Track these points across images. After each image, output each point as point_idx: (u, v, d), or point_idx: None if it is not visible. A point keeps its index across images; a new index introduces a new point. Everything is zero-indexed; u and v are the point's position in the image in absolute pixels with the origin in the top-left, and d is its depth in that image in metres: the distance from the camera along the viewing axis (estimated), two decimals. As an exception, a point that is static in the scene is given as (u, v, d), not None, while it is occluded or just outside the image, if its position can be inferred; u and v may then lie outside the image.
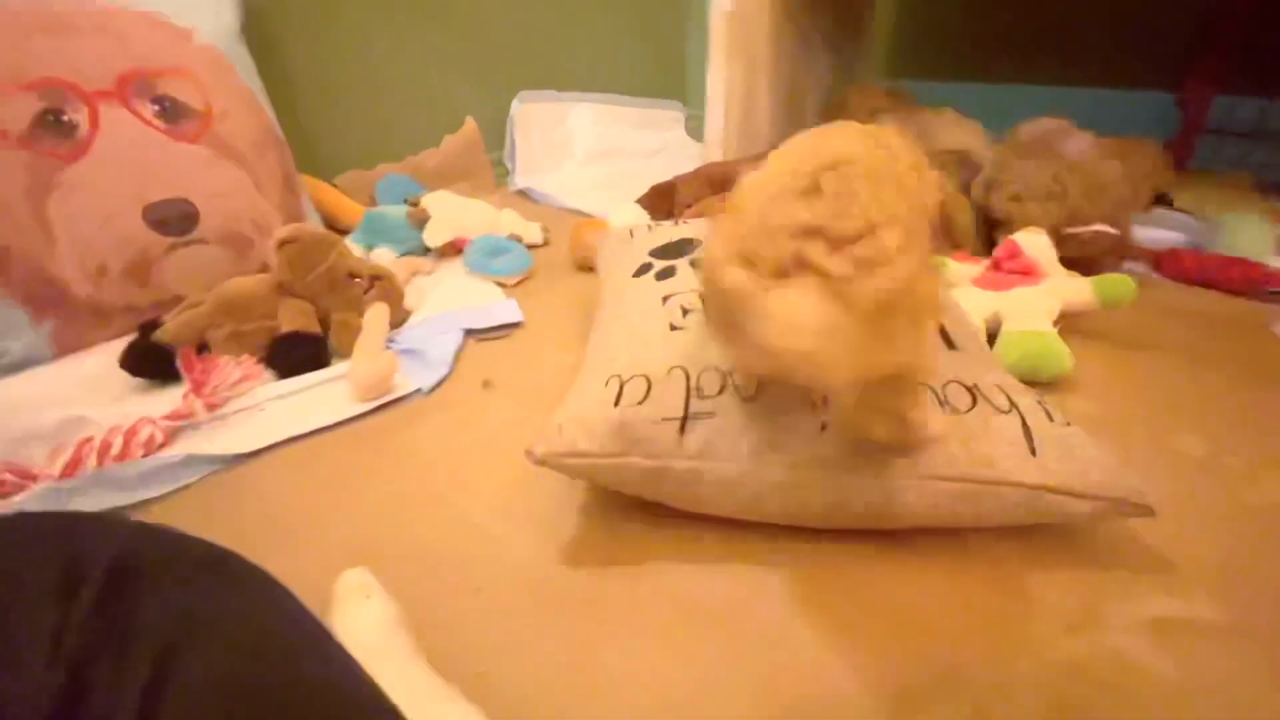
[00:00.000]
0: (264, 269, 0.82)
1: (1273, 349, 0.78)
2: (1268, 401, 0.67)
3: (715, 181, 1.04)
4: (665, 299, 0.60)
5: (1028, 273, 0.80)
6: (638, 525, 0.52)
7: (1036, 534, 0.50)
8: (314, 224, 1.06)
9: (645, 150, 1.78)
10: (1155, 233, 1.17)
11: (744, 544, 0.51)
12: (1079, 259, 0.90)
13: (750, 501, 0.50)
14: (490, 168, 1.50)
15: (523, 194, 1.50)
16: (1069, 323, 0.75)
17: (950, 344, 0.57)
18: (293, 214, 0.96)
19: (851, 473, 0.48)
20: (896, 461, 0.48)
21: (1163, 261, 0.99)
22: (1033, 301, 0.75)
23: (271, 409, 0.68)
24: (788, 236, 0.31)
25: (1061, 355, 0.69)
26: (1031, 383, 0.68)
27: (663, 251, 0.69)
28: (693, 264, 0.65)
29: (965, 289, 0.81)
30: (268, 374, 0.72)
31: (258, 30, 1.06)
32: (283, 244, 0.74)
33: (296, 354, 0.72)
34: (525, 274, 1.03)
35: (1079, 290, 0.77)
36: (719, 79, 1.09)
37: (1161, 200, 1.01)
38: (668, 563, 0.49)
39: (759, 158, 1.07)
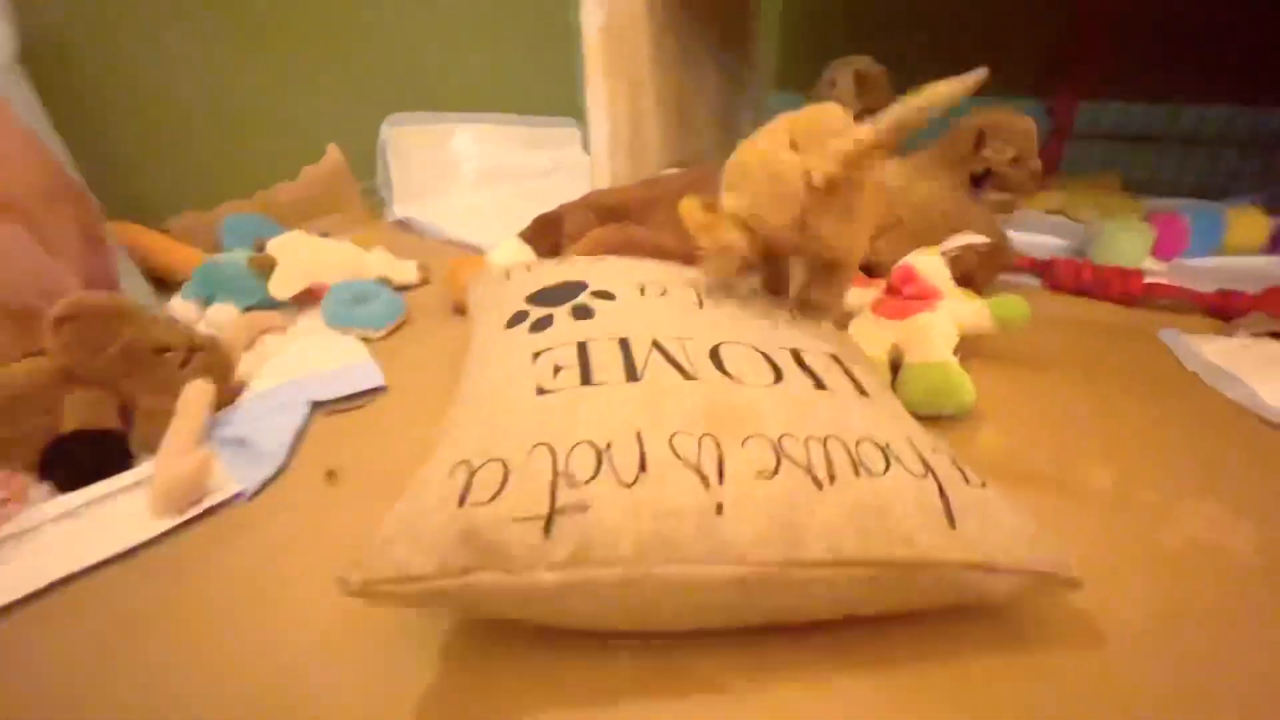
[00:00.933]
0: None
1: (1164, 359, 0.78)
2: (1167, 418, 0.66)
3: (605, 210, 0.96)
4: (537, 355, 0.51)
5: (925, 297, 0.76)
6: (519, 657, 0.42)
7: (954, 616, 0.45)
8: (135, 283, 0.89)
9: (539, 170, 1.68)
10: (1035, 238, 1.19)
11: (668, 664, 0.42)
12: (960, 277, 0.88)
13: (642, 611, 0.42)
14: (362, 198, 1.36)
15: (404, 225, 1.37)
16: (966, 344, 0.72)
17: (861, 390, 0.51)
18: (97, 275, 0.80)
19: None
20: (808, 542, 0.41)
21: (1046, 273, 1.00)
22: (932, 330, 0.72)
23: (45, 535, 0.53)
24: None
25: (963, 388, 0.65)
26: (935, 418, 0.65)
27: (542, 297, 0.60)
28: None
29: (865, 318, 0.77)
30: (43, 488, 0.58)
31: (48, 53, 0.89)
32: (59, 322, 0.60)
33: (79, 460, 0.57)
34: (396, 323, 0.91)
35: (976, 313, 0.75)
36: (599, 98, 1.01)
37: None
38: (561, 712, 0.40)
39: (650, 182, 0.99)
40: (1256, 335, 0.80)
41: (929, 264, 0.80)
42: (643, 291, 0.58)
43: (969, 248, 0.87)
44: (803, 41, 1.67)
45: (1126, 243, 1.03)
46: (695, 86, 1.29)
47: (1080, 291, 0.96)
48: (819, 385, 0.48)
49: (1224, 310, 0.87)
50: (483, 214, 1.43)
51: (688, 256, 0.88)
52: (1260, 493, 0.56)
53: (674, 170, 1.08)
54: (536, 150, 1.72)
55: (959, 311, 0.75)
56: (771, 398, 0.44)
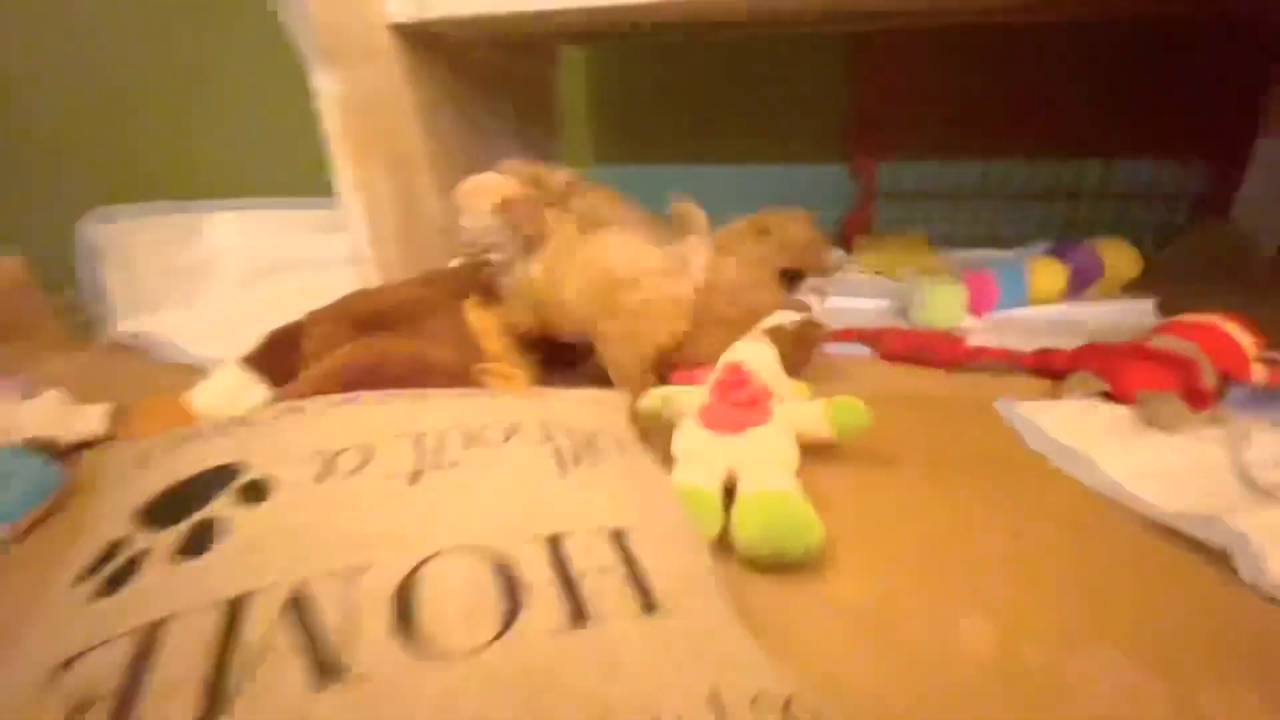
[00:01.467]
0: None
1: (1005, 437, 0.71)
2: (1030, 526, 0.56)
3: (365, 318, 0.75)
4: (67, 664, 0.26)
5: (757, 402, 0.63)
6: None
7: None
8: None
9: (333, 258, 1.43)
10: (857, 301, 1.16)
11: None
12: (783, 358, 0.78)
13: None
14: (53, 317, 1.04)
15: (128, 345, 1.06)
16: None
17: (649, 604, 0.33)
18: None
19: None
20: None
21: (875, 342, 0.94)
22: (770, 447, 0.58)
23: None
24: None
25: (809, 525, 0.52)
26: (778, 564, 0.51)
27: (160, 507, 0.37)
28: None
29: (692, 429, 0.62)
30: None
31: None
32: None
33: None
34: (42, 508, 0.62)
35: (813, 421, 0.63)
36: (349, 181, 0.82)
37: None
38: None
39: (430, 278, 0.79)
40: (1086, 396, 0.76)
41: (759, 357, 0.68)
42: (327, 470, 0.38)
43: (780, 327, 0.77)
44: (616, 113, 1.61)
45: (943, 302, 1.00)
46: (490, 163, 1.13)
47: (910, 359, 0.90)
48: (578, 616, 0.30)
49: (1046, 369, 0.84)
50: (250, 320, 1.15)
51: (465, 374, 0.70)
52: (1157, 627, 0.46)
53: (461, 261, 0.91)
54: (330, 234, 1.47)
55: (796, 417, 0.63)
56: (483, 684, 0.26)
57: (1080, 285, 1.10)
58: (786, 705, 0.28)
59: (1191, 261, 1.22)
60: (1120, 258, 1.11)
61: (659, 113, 1.58)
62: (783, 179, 1.56)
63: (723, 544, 0.53)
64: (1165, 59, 1.26)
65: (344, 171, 0.81)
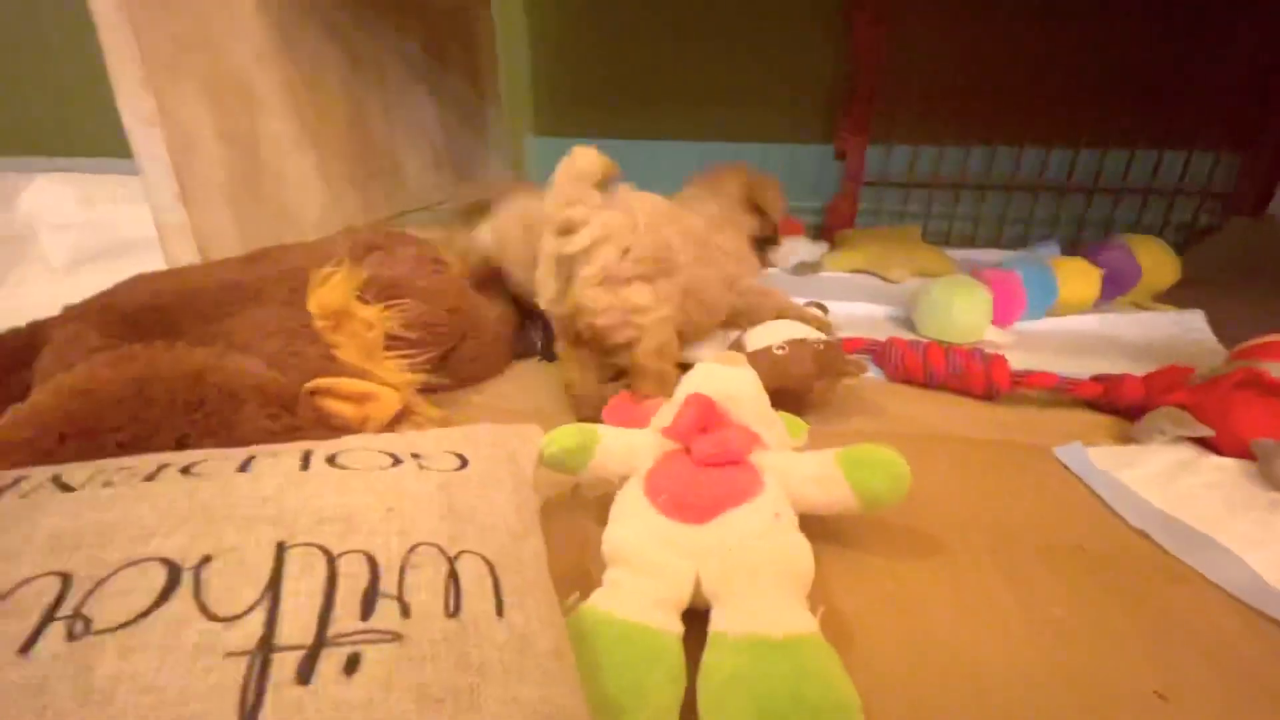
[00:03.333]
0: None
1: (1079, 499, 0.50)
2: (1175, 675, 0.35)
3: (133, 316, 0.49)
4: None
5: (735, 457, 0.40)
6: None
7: None
8: None
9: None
10: (855, 307, 0.95)
11: None
12: (791, 388, 0.56)
13: None
14: None
15: None
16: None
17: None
18: None
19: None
20: None
21: (882, 358, 0.72)
22: (764, 547, 0.35)
23: None
24: None
25: (841, 708, 0.29)
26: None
27: None
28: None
29: (635, 506, 0.38)
30: None
31: None
32: None
33: None
34: None
35: (825, 485, 0.40)
36: (142, 112, 0.55)
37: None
38: None
39: (258, 257, 0.51)
40: (1173, 441, 0.56)
41: (736, 385, 0.45)
42: None
43: (803, 343, 0.55)
44: (560, 84, 1.36)
45: (967, 310, 0.79)
46: (391, 115, 0.88)
47: (929, 383, 0.69)
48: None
49: (1110, 401, 0.63)
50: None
51: (289, 396, 0.44)
52: None
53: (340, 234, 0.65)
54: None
55: (799, 479, 0.40)
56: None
57: (1113, 292, 0.92)
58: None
59: (1224, 263, 1.06)
60: (1158, 260, 0.92)
61: (613, 78, 1.34)
62: (757, 158, 1.34)
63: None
64: (1197, 39, 1.10)
65: (128, 95, 0.54)
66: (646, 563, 0.34)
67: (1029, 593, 0.40)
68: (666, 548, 0.35)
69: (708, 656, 0.31)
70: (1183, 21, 1.09)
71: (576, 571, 0.40)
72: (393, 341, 0.57)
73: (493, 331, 0.69)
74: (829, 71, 1.26)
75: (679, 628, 0.33)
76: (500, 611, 0.24)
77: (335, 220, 0.75)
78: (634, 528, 0.37)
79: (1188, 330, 0.85)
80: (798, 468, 0.41)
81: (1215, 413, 0.55)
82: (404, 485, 0.29)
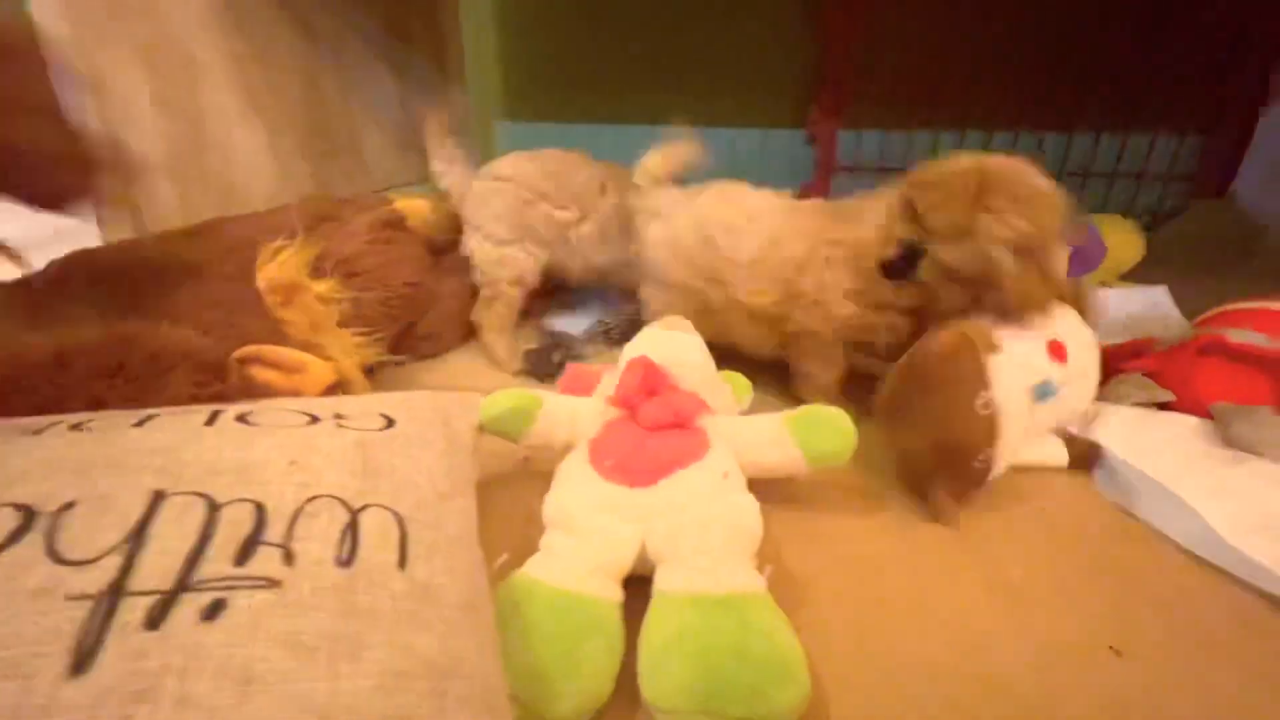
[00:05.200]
0: None
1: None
2: (1131, 629, 0.34)
3: (66, 294, 0.47)
4: None
5: (682, 420, 0.39)
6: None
7: None
8: None
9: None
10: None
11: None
12: None
13: None
14: None
15: None
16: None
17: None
18: None
19: None
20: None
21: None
22: (709, 507, 0.34)
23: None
24: None
25: (790, 658, 0.27)
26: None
27: None
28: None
29: (578, 473, 0.37)
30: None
31: None
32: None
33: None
34: None
35: (772, 445, 0.39)
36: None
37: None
38: None
39: (202, 230, 0.49)
40: (1139, 405, 0.55)
41: (682, 349, 0.44)
42: None
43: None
44: (529, 67, 1.34)
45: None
46: (349, 92, 0.85)
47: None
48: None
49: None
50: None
51: (219, 364, 0.42)
52: None
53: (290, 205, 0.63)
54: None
55: (746, 440, 0.39)
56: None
57: (1080, 270, 0.92)
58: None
59: (1188, 244, 1.06)
60: (1124, 239, 0.93)
61: (584, 62, 1.32)
62: (730, 143, 1.33)
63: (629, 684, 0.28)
64: (1161, 23, 1.10)
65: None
66: (585, 528, 0.33)
67: (986, 554, 0.39)
68: (609, 513, 0.34)
69: (649, 616, 0.30)
70: (1147, 6, 1.10)
71: (521, 540, 0.38)
72: (350, 316, 0.55)
73: (449, 306, 0.67)
74: (800, 56, 1.25)
75: (618, 595, 0.31)
76: (403, 564, 0.22)
77: (286, 198, 0.72)
78: (575, 493, 0.35)
79: (1153, 306, 0.85)
80: (747, 431, 0.40)
81: (1178, 378, 0.55)
82: (315, 441, 0.28)
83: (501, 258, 0.67)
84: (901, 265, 0.48)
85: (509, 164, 0.70)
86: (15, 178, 0.42)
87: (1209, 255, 1.04)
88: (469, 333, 0.69)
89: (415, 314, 0.63)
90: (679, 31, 1.29)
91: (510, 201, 0.67)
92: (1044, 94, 1.17)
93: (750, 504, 0.34)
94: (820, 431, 0.39)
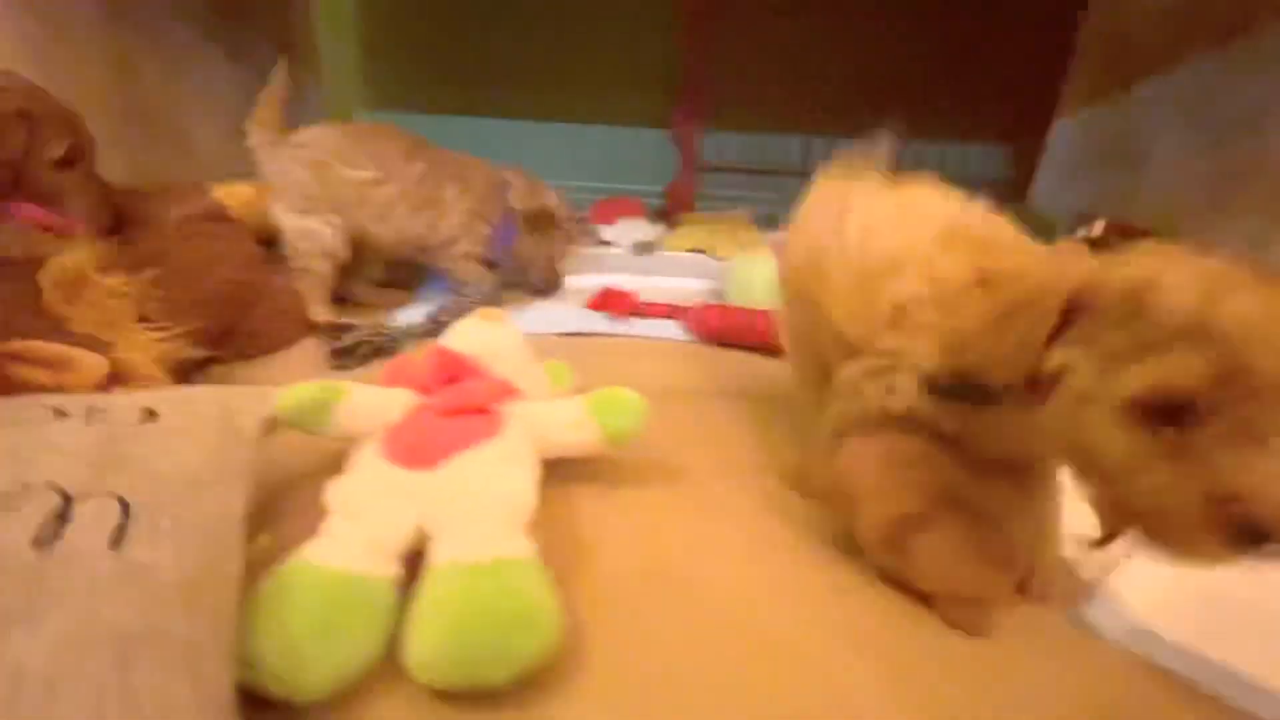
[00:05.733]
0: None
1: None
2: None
3: None
4: None
5: (482, 407, 0.41)
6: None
7: None
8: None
9: None
10: (682, 282, 1.00)
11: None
12: None
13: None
14: None
15: None
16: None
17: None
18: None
19: None
20: None
21: (697, 321, 0.77)
22: (488, 486, 0.36)
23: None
24: None
25: (540, 617, 0.30)
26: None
27: None
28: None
29: (366, 461, 0.38)
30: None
31: None
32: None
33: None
34: None
35: (571, 425, 0.42)
36: None
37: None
38: None
39: None
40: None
41: (491, 338, 0.46)
42: None
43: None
44: (393, 56, 1.31)
45: (759, 279, 0.85)
46: (173, 77, 0.80)
47: (728, 338, 0.74)
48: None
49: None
50: None
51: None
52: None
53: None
54: None
55: (545, 423, 0.42)
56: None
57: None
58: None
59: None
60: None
61: (452, 53, 1.31)
62: (600, 140, 1.36)
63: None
64: (975, 41, 1.24)
65: None
66: (359, 509, 0.34)
67: (763, 522, 0.44)
68: (388, 494, 0.35)
69: (418, 590, 0.31)
70: (973, 26, 1.24)
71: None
72: (160, 313, 0.53)
73: (281, 302, 0.65)
74: (663, 58, 1.30)
75: (391, 571, 0.32)
76: (116, 545, 0.23)
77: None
78: (356, 477, 0.36)
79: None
80: (550, 414, 0.43)
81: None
82: (49, 436, 0.27)
83: (304, 230, 0.68)
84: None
85: (309, 132, 0.71)
86: None
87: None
88: (311, 327, 0.67)
89: (236, 311, 0.61)
90: (548, 28, 1.31)
91: (305, 166, 0.68)
92: (882, 103, 1.29)
93: (522, 477, 0.37)
94: (617, 411, 0.43)
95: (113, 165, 0.69)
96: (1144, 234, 0.89)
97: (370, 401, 0.42)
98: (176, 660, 0.20)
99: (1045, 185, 1.24)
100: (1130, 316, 0.26)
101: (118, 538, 0.23)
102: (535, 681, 0.30)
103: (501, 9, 1.28)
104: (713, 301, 0.85)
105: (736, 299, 0.87)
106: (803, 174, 1.36)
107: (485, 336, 0.45)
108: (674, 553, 0.40)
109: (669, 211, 1.34)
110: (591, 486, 0.45)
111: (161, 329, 0.53)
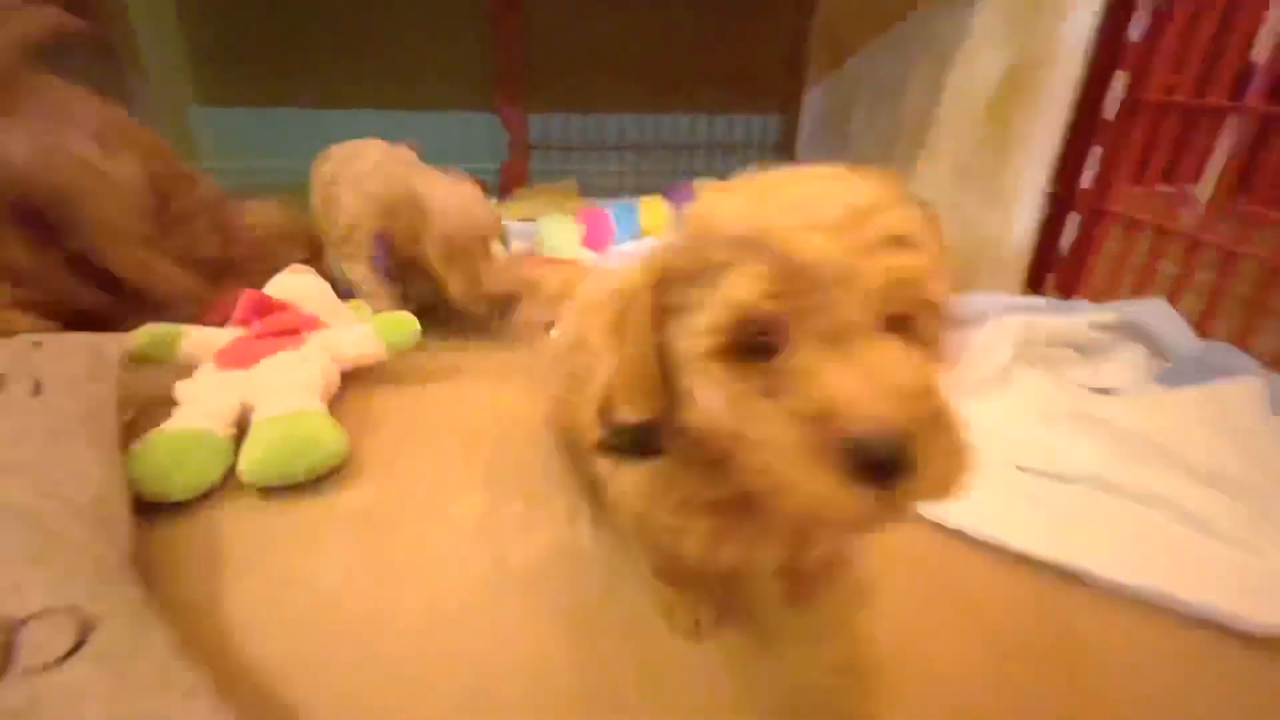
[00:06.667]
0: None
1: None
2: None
3: None
4: None
5: (293, 331, 0.59)
6: None
7: None
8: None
9: None
10: (516, 244, 1.19)
11: None
12: None
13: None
14: None
15: None
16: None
17: None
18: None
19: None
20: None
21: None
22: (289, 372, 0.54)
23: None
24: None
25: (325, 438, 0.49)
26: (291, 484, 0.48)
27: None
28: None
29: (202, 372, 0.55)
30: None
31: None
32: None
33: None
34: None
35: (359, 341, 0.60)
36: None
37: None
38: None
39: None
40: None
41: (297, 285, 0.63)
42: None
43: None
44: (220, 49, 1.37)
45: (559, 236, 1.06)
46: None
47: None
48: None
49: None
50: None
51: None
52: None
53: None
54: None
55: (339, 341, 0.60)
56: None
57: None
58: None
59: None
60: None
61: (279, 47, 1.39)
62: (435, 125, 1.50)
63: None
64: (750, 26, 1.49)
65: None
66: (198, 396, 0.51)
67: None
68: (219, 386, 0.52)
69: (250, 432, 0.49)
70: (747, 9, 1.48)
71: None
72: None
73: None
74: (481, 45, 1.45)
75: (225, 430, 0.50)
76: (37, 394, 0.40)
77: None
78: (196, 378, 0.53)
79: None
80: (344, 335, 0.61)
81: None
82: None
83: None
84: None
85: None
86: None
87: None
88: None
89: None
90: (373, 17, 1.40)
91: None
92: (674, 81, 1.52)
93: (313, 369, 0.55)
94: (394, 328, 0.61)
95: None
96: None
97: (206, 336, 0.58)
98: (81, 450, 0.38)
99: (805, 149, 1.53)
100: (695, 265, 0.25)
101: (36, 391, 0.39)
102: (326, 477, 0.49)
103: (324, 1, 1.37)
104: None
105: (542, 253, 1.08)
106: (622, 149, 1.57)
107: (293, 285, 0.63)
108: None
109: (504, 188, 1.51)
110: (389, 385, 0.64)
111: None
